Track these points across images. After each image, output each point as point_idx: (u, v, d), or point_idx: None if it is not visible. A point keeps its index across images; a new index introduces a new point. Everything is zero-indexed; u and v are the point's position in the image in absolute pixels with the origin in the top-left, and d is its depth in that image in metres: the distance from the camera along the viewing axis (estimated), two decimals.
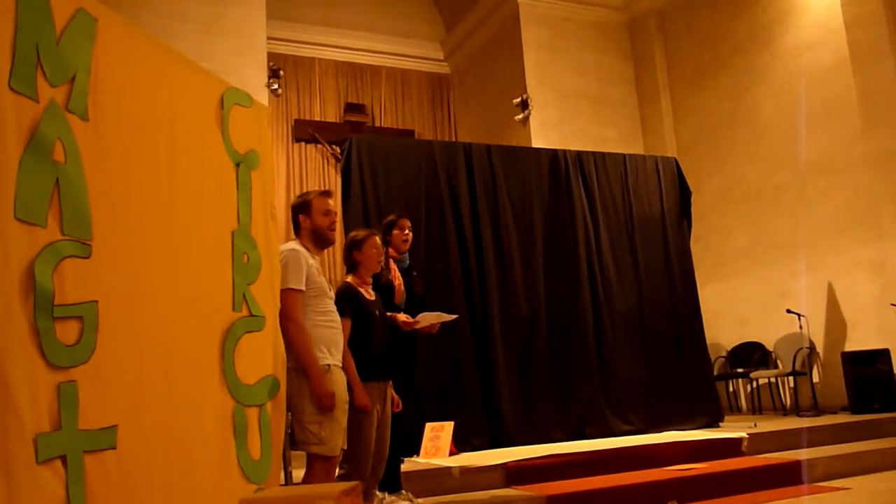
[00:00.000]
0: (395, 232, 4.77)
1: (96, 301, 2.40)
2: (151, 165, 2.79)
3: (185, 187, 2.96)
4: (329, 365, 3.47)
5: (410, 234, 4.88)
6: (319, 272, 3.60)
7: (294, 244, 3.62)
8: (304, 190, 6.46)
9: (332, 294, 3.71)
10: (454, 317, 4.77)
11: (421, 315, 4.52)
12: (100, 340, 2.39)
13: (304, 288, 3.47)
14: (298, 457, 3.56)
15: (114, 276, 2.50)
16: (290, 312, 3.43)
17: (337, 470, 3.71)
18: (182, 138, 2.99)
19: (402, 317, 4.44)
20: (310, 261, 3.55)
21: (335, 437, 3.41)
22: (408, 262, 4.91)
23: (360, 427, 3.71)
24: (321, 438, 3.35)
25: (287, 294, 3.44)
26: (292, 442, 3.49)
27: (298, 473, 3.57)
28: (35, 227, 2.23)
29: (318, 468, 3.40)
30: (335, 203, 3.77)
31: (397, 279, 4.60)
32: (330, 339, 3.52)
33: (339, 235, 4.39)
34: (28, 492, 2.09)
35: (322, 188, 3.96)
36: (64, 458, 2.22)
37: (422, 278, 5.15)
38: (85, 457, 2.29)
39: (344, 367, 3.61)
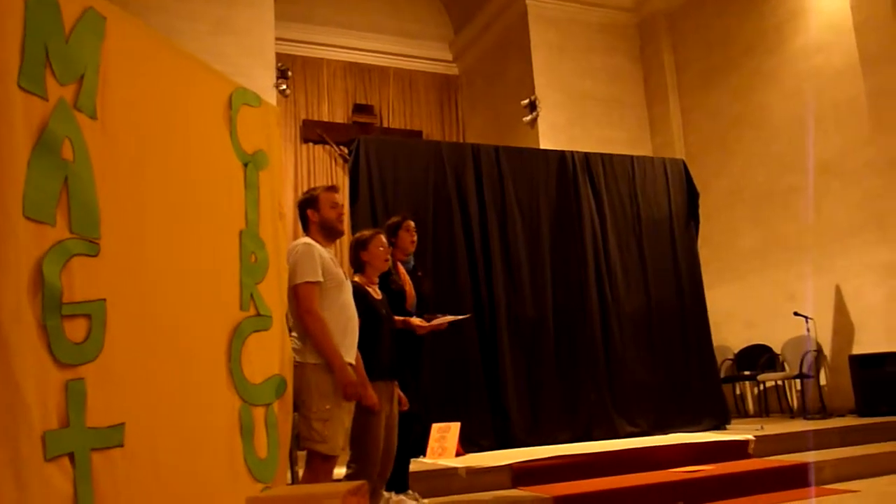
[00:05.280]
0: (402, 234, 4.63)
1: (104, 299, 2.41)
2: (159, 164, 2.80)
3: (193, 186, 2.97)
4: None
5: (416, 236, 4.82)
6: (335, 263, 3.57)
7: (305, 239, 3.59)
8: None
9: (350, 284, 3.68)
10: (466, 316, 4.79)
11: (434, 318, 4.50)
12: (108, 338, 2.40)
13: (320, 279, 3.44)
14: (304, 456, 3.56)
15: (122, 274, 2.51)
16: (307, 305, 3.39)
17: (345, 469, 3.71)
18: (190, 138, 3.00)
19: (416, 321, 4.38)
20: (323, 253, 3.52)
21: (337, 437, 3.38)
22: (412, 262, 4.87)
23: (369, 427, 3.70)
24: (324, 437, 3.32)
25: (303, 287, 3.41)
26: (298, 441, 3.48)
27: None
28: (44, 225, 2.24)
29: (317, 466, 3.38)
30: (341, 198, 3.76)
31: (408, 284, 4.57)
32: (344, 337, 3.47)
33: (346, 235, 4.36)
34: (36, 489, 2.10)
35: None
36: (72, 456, 2.23)
37: (427, 278, 5.12)
38: (92, 454, 2.30)
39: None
